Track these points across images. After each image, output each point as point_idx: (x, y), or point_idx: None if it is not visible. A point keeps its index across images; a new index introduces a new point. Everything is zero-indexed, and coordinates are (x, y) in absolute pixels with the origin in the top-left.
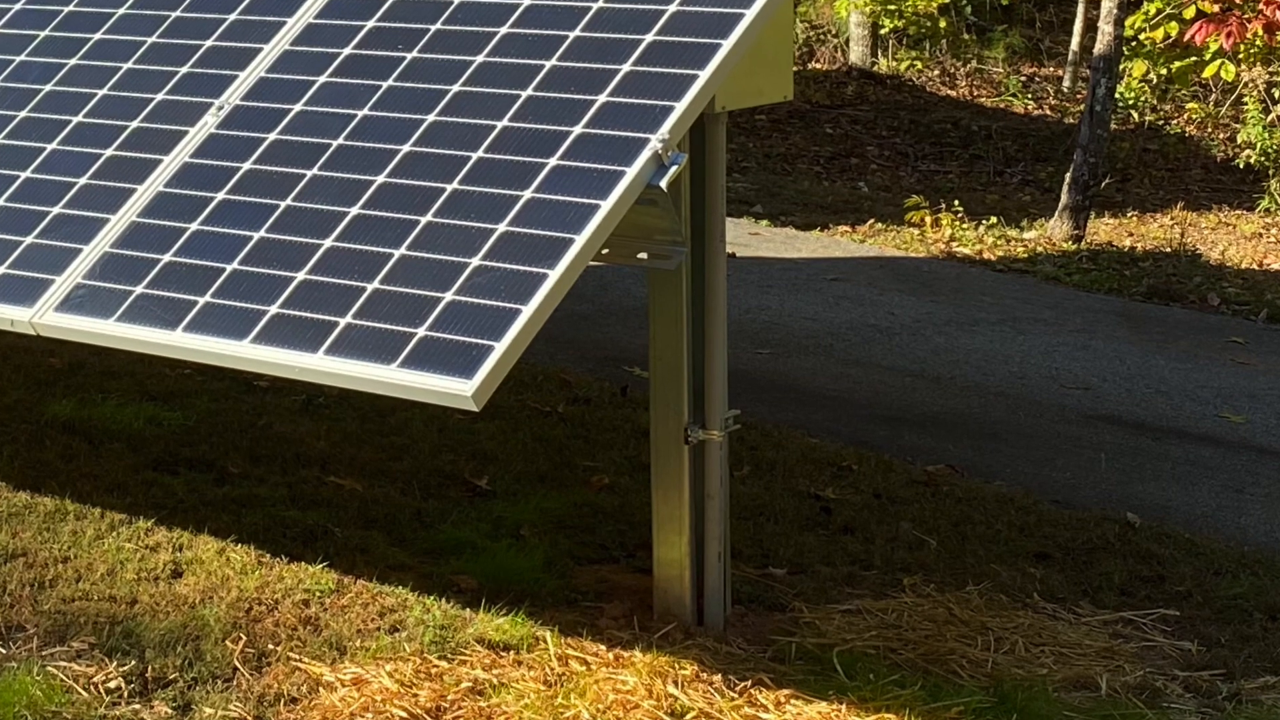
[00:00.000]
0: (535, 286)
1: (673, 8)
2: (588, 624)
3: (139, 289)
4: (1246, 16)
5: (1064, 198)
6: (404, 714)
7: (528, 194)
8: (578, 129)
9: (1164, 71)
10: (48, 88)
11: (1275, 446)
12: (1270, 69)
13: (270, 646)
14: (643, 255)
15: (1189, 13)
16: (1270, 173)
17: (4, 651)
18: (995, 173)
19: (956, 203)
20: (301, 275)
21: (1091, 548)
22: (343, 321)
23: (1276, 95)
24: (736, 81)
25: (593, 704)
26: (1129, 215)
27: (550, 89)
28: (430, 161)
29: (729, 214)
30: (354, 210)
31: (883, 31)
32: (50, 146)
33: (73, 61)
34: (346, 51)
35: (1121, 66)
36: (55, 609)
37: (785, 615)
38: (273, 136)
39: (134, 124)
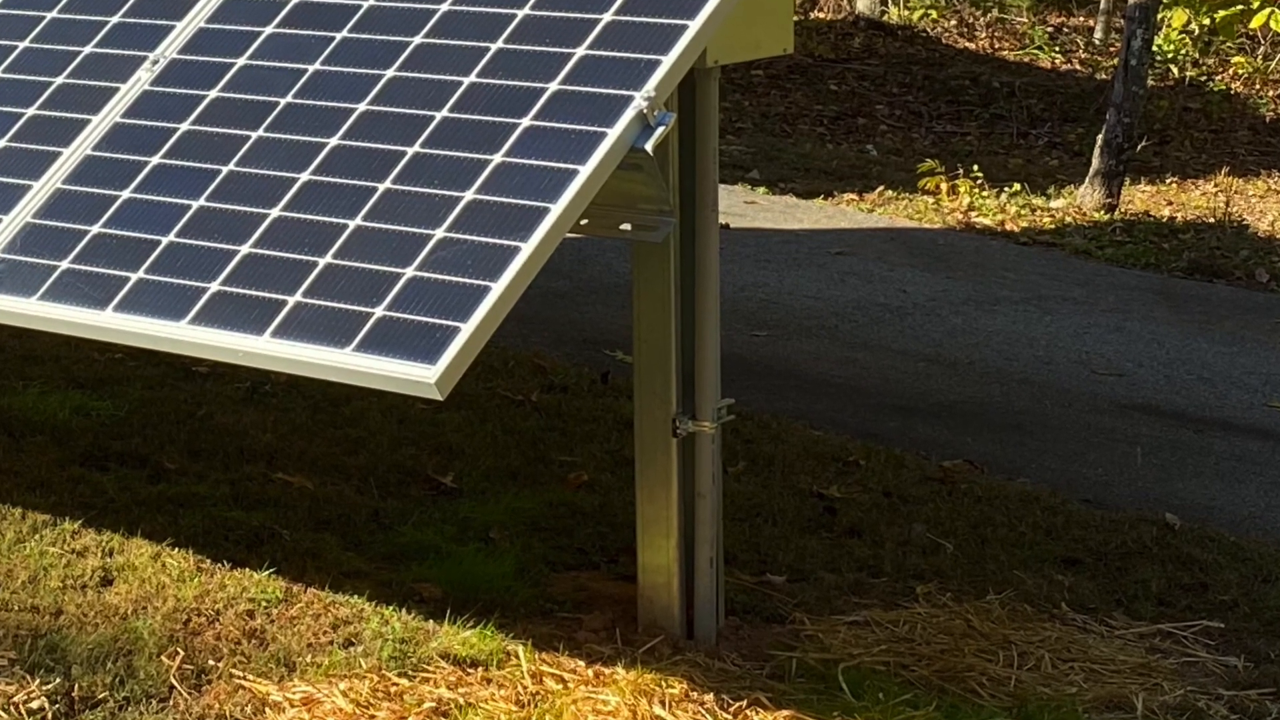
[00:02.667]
0: (506, 261)
1: None
2: (565, 637)
3: (64, 264)
4: None
5: (1095, 162)
6: None
7: (498, 158)
8: (553, 86)
9: (1206, 21)
10: None
11: None
12: None
13: (210, 662)
14: (626, 226)
15: None
16: None
17: None
18: (1019, 134)
19: (975, 168)
20: (245, 249)
21: (1126, 552)
22: (292, 300)
23: None
24: (730, 32)
25: None
26: (1168, 182)
27: (523, 41)
28: (389, 122)
29: (722, 180)
30: (304, 176)
31: None
32: None
33: None
34: None
35: (1159, 16)
36: None
37: (784, 627)
38: (213, 94)
39: (59, 80)
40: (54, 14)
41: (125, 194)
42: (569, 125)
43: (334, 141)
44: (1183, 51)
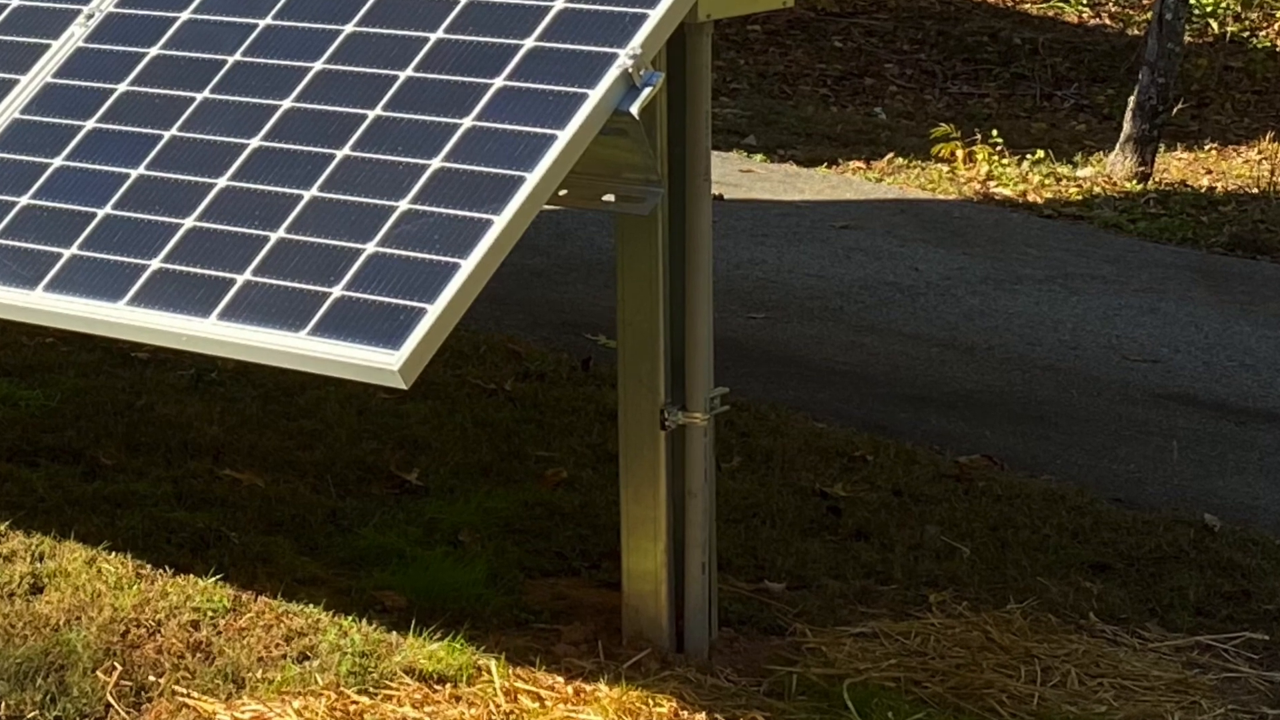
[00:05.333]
0: (477, 236)
1: None
2: (542, 650)
3: None
4: None
5: (1127, 127)
6: None
7: (468, 122)
8: (529, 42)
9: None
10: None
11: None
12: None
13: (151, 678)
14: (609, 197)
15: None
16: None
17: None
18: (1042, 96)
19: (995, 133)
20: (190, 222)
21: (1160, 557)
22: (240, 279)
23: None
24: None
25: None
26: (1206, 148)
27: None
28: (348, 82)
29: (715, 147)
30: (254, 142)
31: None
32: None
33: None
34: None
35: None
36: None
37: (784, 640)
38: (154, 51)
39: None
40: None
41: (57, 162)
42: (546, 86)
43: (287, 104)
44: (1223, 5)
